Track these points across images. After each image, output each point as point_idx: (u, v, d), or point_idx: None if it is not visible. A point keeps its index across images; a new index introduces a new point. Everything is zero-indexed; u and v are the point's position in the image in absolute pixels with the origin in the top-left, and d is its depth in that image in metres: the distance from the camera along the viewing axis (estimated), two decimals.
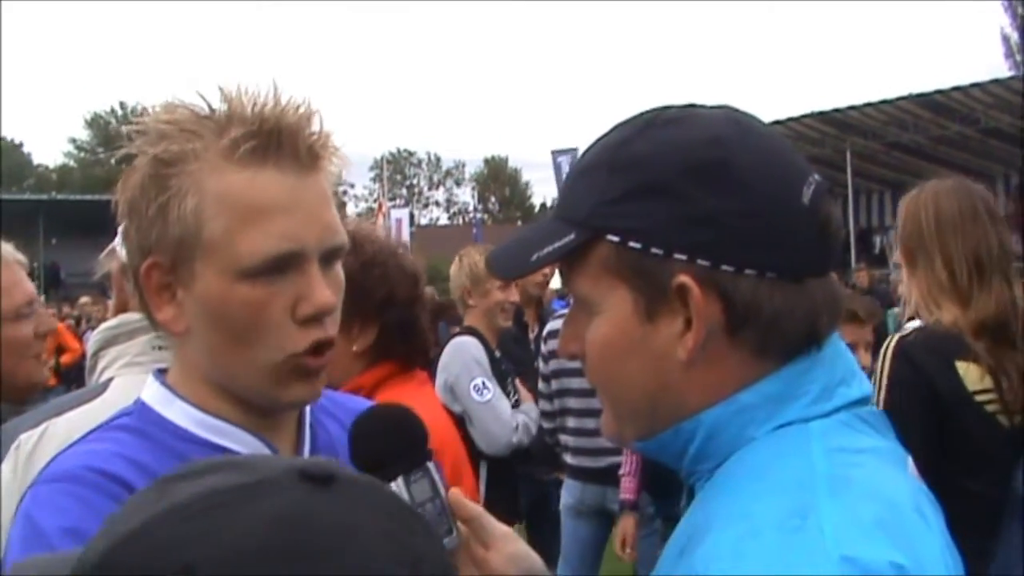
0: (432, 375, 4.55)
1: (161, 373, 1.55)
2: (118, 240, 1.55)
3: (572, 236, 1.21)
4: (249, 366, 1.44)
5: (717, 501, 1.14)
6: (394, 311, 2.78)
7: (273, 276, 1.40)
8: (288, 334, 1.43)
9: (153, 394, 1.52)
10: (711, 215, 1.14)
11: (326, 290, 1.44)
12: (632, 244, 1.16)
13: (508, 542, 1.50)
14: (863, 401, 1.21)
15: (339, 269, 1.50)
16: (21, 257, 2.70)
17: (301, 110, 1.43)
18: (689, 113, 1.23)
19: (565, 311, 5.93)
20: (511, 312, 5.37)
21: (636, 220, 1.16)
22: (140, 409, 1.51)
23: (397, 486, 1.49)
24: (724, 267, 1.14)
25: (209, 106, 1.44)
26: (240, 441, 1.48)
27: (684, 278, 1.14)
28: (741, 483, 1.13)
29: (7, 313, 2.61)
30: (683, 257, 1.14)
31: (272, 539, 0.77)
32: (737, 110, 1.25)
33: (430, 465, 1.53)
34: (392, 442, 1.55)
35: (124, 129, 1.47)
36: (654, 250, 1.15)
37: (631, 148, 1.20)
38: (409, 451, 1.53)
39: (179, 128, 1.42)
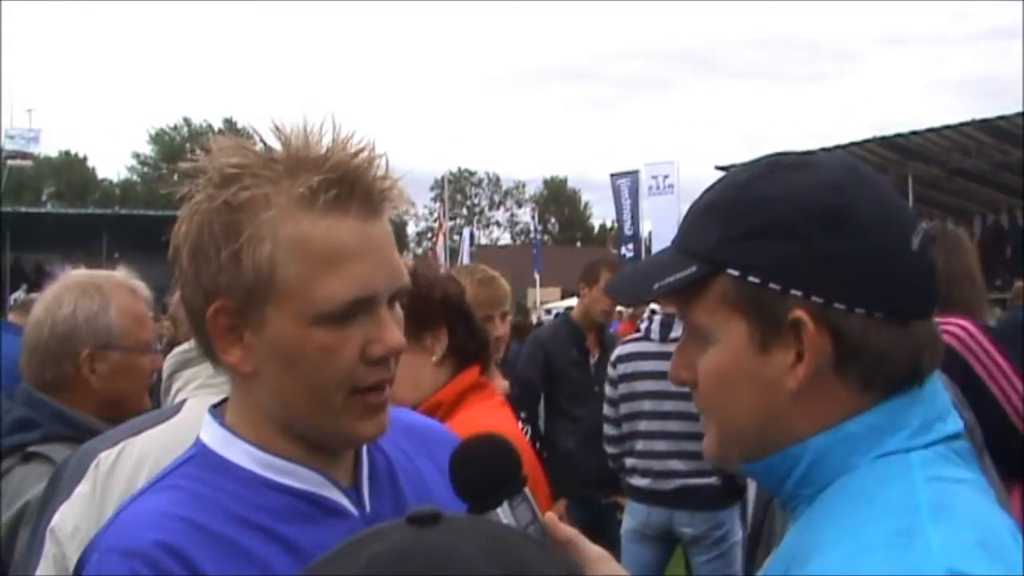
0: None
1: (218, 411, 1.55)
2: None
3: (694, 268, 1.28)
4: (320, 407, 1.44)
5: (823, 523, 1.21)
6: (452, 308, 2.92)
7: (347, 320, 1.41)
8: (356, 374, 1.44)
9: (212, 436, 1.51)
10: (829, 256, 1.21)
11: (396, 332, 1.46)
12: (752, 279, 1.24)
13: (602, 563, 1.55)
14: (957, 436, 1.28)
15: (399, 309, 1.51)
16: (149, 296, 2.85)
17: (370, 154, 1.43)
18: (810, 160, 1.30)
19: (630, 337, 5.99)
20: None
21: (757, 256, 1.24)
22: (201, 451, 1.51)
23: (503, 511, 1.56)
24: (837, 305, 1.21)
25: (273, 145, 1.44)
26: (300, 477, 1.48)
27: (799, 313, 1.22)
28: (847, 506, 1.20)
29: (139, 344, 2.76)
30: (799, 293, 1.22)
31: (379, 572, 0.85)
32: (852, 159, 1.33)
33: (527, 491, 1.60)
34: (493, 471, 1.62)
35: (181, 165, 1.46)
36: (772, 285, 1.23)
37: (756, 189, 1.28)
38: (508, 478, 1.61)
39: (249, 172, 1.40)
